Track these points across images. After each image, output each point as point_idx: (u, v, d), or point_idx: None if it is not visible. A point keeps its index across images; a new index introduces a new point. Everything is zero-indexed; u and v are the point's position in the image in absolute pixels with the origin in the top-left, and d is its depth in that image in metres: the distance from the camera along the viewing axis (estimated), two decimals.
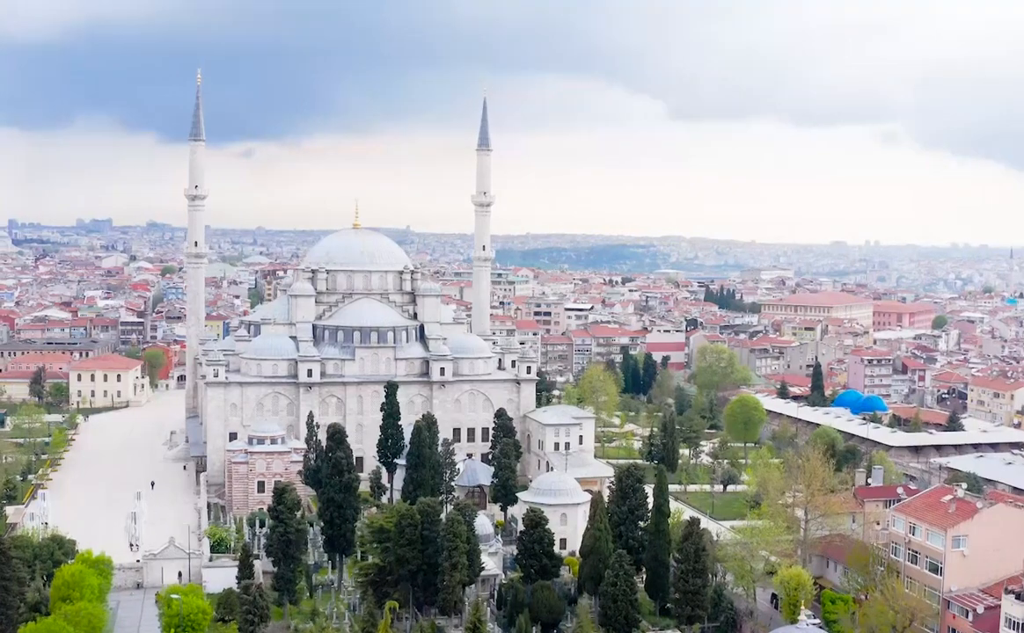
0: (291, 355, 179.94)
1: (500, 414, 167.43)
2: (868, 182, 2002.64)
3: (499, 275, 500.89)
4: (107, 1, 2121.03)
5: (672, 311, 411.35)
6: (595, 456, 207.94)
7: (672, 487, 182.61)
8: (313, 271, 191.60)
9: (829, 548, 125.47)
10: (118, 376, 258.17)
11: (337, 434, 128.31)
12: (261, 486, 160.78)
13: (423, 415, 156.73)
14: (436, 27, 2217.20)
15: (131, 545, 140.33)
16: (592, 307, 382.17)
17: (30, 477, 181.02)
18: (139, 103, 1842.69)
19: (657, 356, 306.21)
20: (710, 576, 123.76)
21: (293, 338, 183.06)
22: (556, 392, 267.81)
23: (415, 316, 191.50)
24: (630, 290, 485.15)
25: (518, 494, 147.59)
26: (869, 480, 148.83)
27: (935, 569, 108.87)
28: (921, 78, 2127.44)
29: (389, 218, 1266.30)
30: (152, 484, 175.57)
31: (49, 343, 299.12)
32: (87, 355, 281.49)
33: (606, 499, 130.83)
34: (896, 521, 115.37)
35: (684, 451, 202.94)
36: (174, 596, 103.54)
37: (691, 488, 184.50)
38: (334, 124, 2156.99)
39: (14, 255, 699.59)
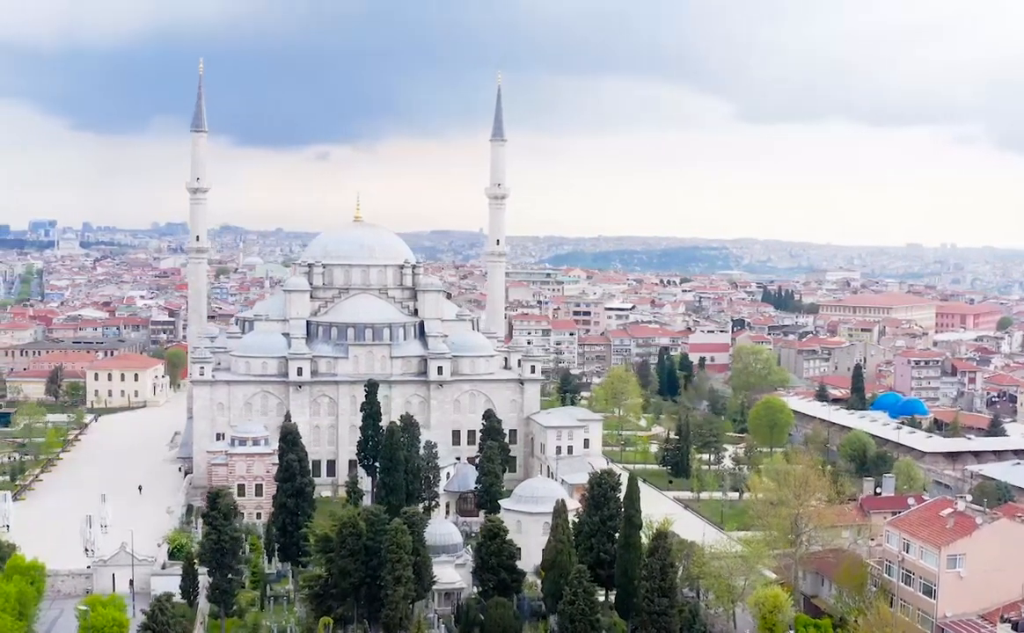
0: (281, 352, 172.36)
1: (488, 416, 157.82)
2: (944, 183, 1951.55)
3: (547, 275, 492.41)
4: (180, 7, 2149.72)
5: (724, 312, 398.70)
6: (612, 461, 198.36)
7: (684, 494, 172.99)
8: (310, 265, 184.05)
9: (823, 564, 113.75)
10: (135, 375, 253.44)
11: (289, 435, 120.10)
12: (242, 489, 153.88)
13: (401, 416, 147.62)
14: (506, 29, 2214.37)
15: (86, 550, 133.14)
16: (633, 307, 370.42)
17: (19, 478, 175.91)
18: (212, 107, 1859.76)
19: (704, 357, 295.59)
20: (685, 594, 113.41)
21: (286, 335, 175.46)
22: (585, 393, 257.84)
23: (416, 312, 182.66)
24: (683, 291, 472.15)
25: (501, 501, 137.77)
26: (878, 489, 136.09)
27: (929, 592, 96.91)
28: (994, 78, 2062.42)
29: (462, 221, 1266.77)
30: (140, 488, 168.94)
31: (77, 342, 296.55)
32: (111, 354, 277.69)
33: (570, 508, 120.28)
34: (890, 536, 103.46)
35: (705, 456, 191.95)
36: (83, 607, 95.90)
37: (706, 496, 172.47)
38: (408, 127, 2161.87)
39: (76, 257, 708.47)
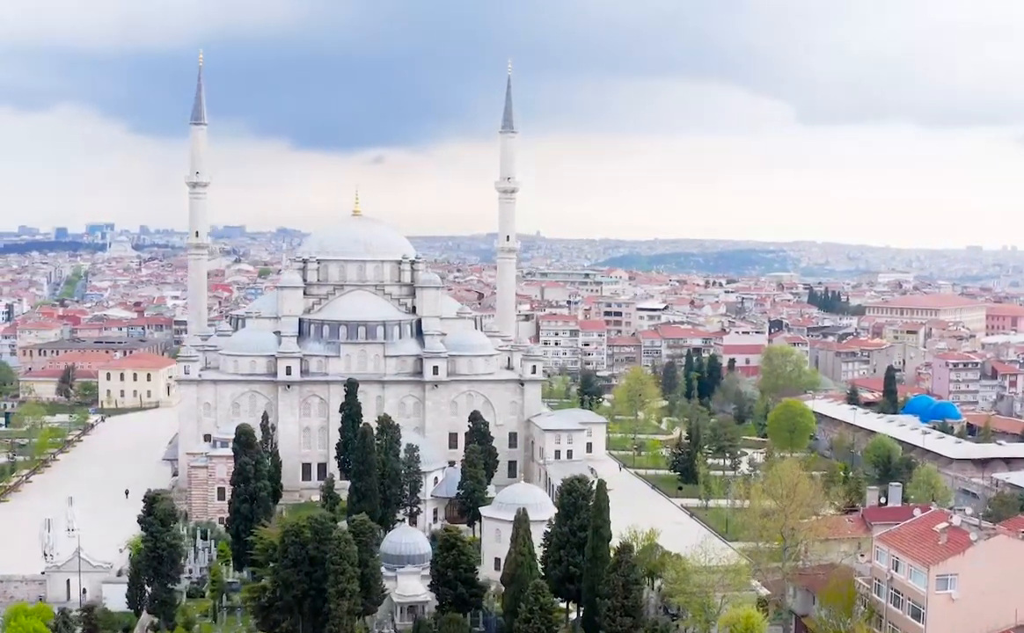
0: (270, 351, 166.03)
1: (474, 417, 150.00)
2: (1005, 185, 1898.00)
3: (586, 275, 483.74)
4: (238, 10, 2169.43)
5: (766, 313, 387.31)
6: (626, 465, 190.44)
7: (691, 501, 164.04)
8: (304, 261, 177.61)
9: (815, 581, 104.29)
10: (148, 375, 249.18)
11: (243, 436, 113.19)
12: (221, 492, 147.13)
13: (378, 417, 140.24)
14: (561, 32, 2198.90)
15: (45, 555, 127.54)
16: (666, 307, 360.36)
17: (4, 480, 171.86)
18: (270, 110, 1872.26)
19: (738, 359, 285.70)
20: (668, 611, 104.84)
21: (277, 333, 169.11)
22: (609, 395, 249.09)
23: (414, 310, 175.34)
24: (726, 292, 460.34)
25: (481, 508, 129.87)
26: (883, 499, 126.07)
27: (917, 615, 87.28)
28: None
29: (518, 224, 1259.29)
30: (127, 491, 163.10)
31: (99, 342, 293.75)
32: (129, 354, 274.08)
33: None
34: (879, 553, 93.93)
35: (720, 461, 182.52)
36: None
37: (715, 503, 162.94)
38: (463, 130, 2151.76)
39: (124, 259, 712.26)
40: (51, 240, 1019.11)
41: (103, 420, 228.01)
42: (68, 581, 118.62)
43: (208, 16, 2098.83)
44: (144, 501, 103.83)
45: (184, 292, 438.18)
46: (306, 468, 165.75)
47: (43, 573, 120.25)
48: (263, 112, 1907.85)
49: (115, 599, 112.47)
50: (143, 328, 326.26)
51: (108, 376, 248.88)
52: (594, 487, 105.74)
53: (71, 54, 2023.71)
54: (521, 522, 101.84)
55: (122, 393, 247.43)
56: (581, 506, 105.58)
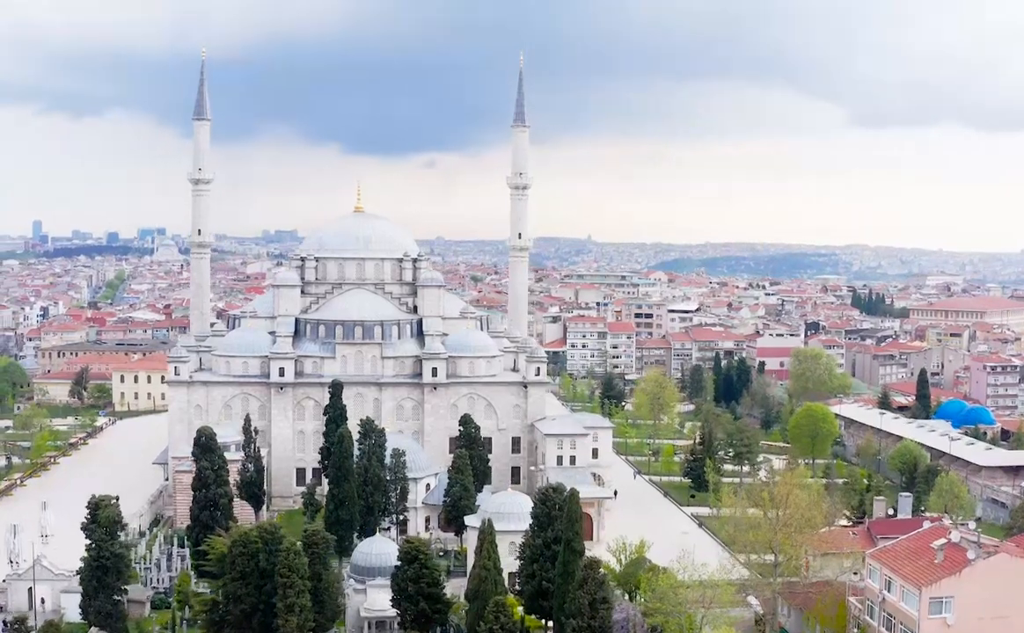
0: (264, 352, 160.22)
1: (465, 421, 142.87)
2: None
3: (623, 277, 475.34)
4: (290, 16, 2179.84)
5: (806, 316, 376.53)
6: (641, 471, 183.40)
7: (700, 510, 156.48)
8: (303, 259, 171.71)
9: (808, 600, 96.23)
10: (162, 377, 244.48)
11: (204, 439, 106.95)
12: None
13: (360, 420, 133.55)
14: (613, 36, 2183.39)
15: (11, 561, 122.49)
16: (699, 308, 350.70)
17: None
18: (323, 115, 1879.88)
19: (771, 362, 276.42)
20: (643, 631, 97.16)
21: (273, 333, 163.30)
22: (631, 399, 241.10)
23: (416, 310, 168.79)
24: (766, 294, 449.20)
25: (465, 518, 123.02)
26: (891, 510, 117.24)
27: None
28: None
29: (570, 228, 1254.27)
30: (117, 497, 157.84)
31: (120, 344, 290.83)
32: (147, 356, 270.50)
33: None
34: (872, 571, 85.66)
35: (738, 467, 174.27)
36: None
37: (728, 512, 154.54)
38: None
39: (166, 262, 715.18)
40: (102, 244, 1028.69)
41: (112, 422, 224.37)
42: (30, 589, 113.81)
43: (258, 22, 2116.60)
44: (87, 507, 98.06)
45: (215, 295, 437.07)
46: (300, 473, 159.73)
47: (3, 581, 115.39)
48: (314, 117, 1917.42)
49: (73, 609, 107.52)
50: (167, 330, 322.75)
51: (122, 378, 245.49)
52: (567, 496, 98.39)
53: (123, 60, 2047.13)
54: (486, 534, 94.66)
55: (136, 395, 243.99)
56: (556, 517, 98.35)
